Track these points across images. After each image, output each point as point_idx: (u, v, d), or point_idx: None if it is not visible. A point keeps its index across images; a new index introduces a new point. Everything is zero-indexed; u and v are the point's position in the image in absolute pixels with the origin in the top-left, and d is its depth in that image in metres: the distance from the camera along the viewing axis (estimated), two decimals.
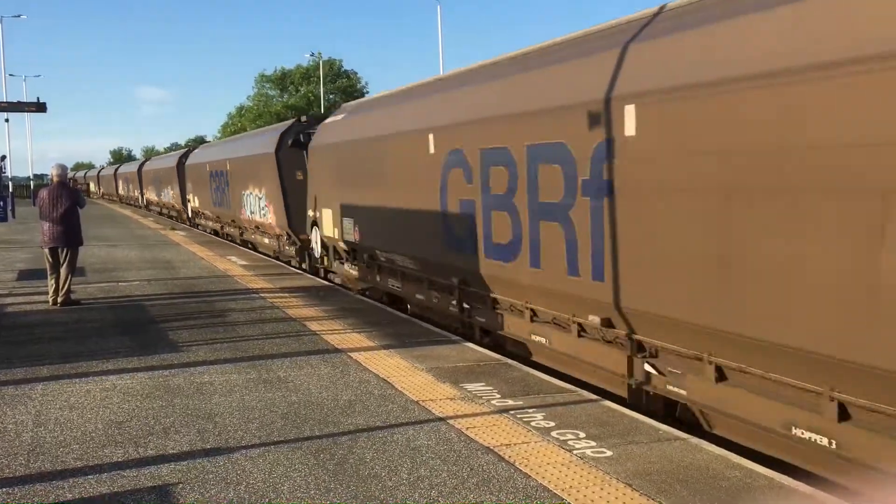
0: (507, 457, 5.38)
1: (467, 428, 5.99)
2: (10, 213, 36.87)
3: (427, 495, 4.79)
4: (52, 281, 11.97)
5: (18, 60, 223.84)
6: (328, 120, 14.98)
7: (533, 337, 8.31)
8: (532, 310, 8.26)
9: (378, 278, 12.41)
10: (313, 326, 10.11)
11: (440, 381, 7.41)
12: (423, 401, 6.74)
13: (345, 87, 74.31)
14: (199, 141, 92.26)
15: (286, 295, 12.83)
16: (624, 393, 6.97)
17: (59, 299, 11.91)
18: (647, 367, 6.66)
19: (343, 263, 14.04)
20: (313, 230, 15.47)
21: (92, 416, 6.40)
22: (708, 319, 5.79)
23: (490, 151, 8.50)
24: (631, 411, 6.46)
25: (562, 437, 5.76)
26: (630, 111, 6.29)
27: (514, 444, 5.62)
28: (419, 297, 10.97)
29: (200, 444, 5.72)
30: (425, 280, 10.67)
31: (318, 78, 71.11)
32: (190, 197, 30.75)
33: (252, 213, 20.50)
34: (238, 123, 74.77)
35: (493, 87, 8.87)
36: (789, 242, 5.07)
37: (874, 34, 4.48)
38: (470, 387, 7.17)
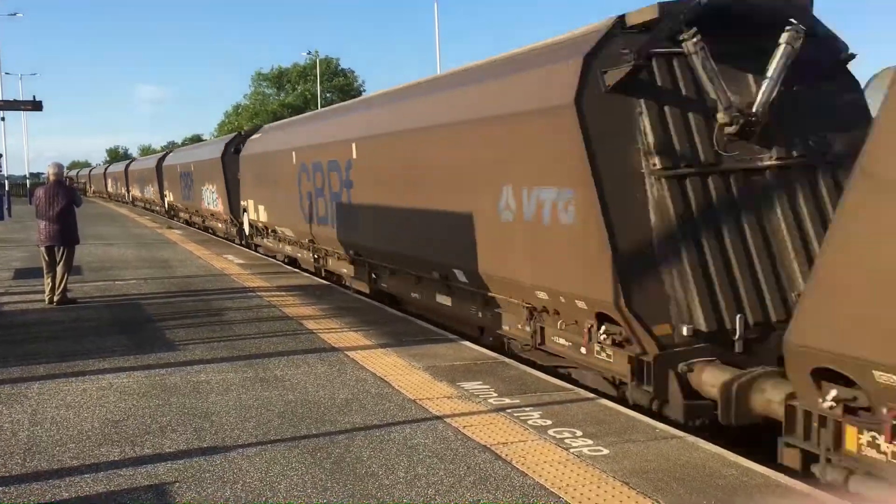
0: (503, 455, 5.38)
1: (464, 426, 5.99)
2: (6, 212, 36.82)
3: (424, 493, 4.79)
4: (49, 279, 11.95)
5: (15, 59, 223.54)
6: (253, 136, 20.62)
7: (343, 269, 14.00)
8: (340, 255, 13.92)
9: (279, 246, 18.06)
10: (310, 325, 10.11)
11: (437, 379, 7.41)
12: (420, 399, 6.74)
13: (342, 85, 74.23)
14: (196, 139, 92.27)
15: (283, 293, 12.82)
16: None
17: (56, 298, 11.89)
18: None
19: (263, 238, 19.39)
20: (244, 215, 20.64)
21: (88, 415, 6.39)
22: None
23: (315, 163, 14.13)
24: (627, 409, 6.47)
25: (558, 436, 5.77)
26: (354, 146, 12.13)
27: (511, 443, 5.63)
28: (298, 254, 16.79)
29: (197, 442, 5.72)
30: (297, 242, 16.47)
31: (315, 76, 71.06)
32: (166, 193, 35.84)
33: (209, 204, 25.98)
34: (235, 122, 74.68)
35: (321, 125, 15.05)
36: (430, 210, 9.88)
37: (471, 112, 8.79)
38: (467, 385, 7.17)
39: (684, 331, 6.26)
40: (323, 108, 19.22)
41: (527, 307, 7.99)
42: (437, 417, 6.24)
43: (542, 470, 5.12)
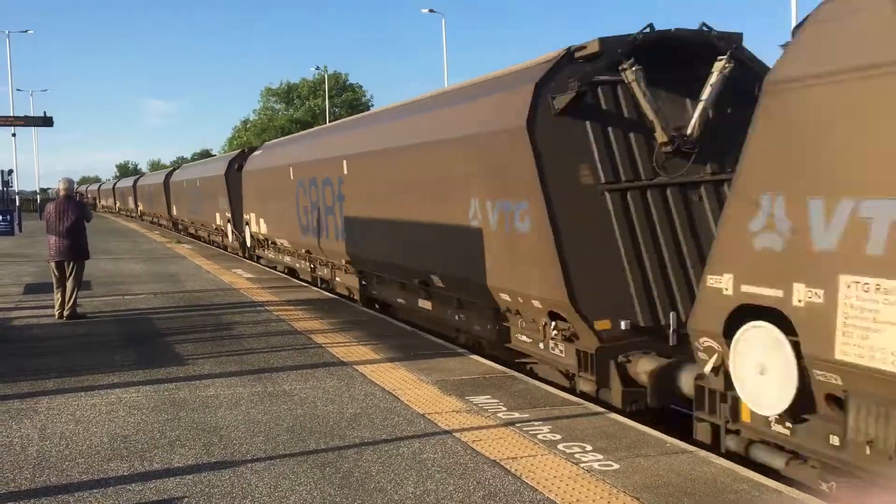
0: (513, 470, 5.36)
1: (473, 441, 5.97)
2: (16, 227, 37.03)
3: None
4: (59, 294, 11.99)
5: (26, 75, 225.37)
6: (254, 153, 21.73)
7: (337, 278, 14.78)
8: (334, 264, 14.76)
9: (279, 257, 18.95)
10: (319, 339, 10.10)
11: (446, 393, 7.39)
12: (428, 413, 6.72)
13: (350, 100, 74.53)
14: (205, 154, 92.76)
15: (291, 307, 12.83)
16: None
17: (66, 313, 11.92)
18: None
19: (264, 249, 20.20)
20: (246, 228, 21.48)
21: (97, 430, 6.39)
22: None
23: (311, 179, 15.05)
24: (638, 424, 6.44)
25: (568, 450, 5.74)
26: (344, 162, 13.07)
27: (521, 457, 5.60)
28: (297, 265, 17.51)
29: (206, 457, 5.71)
30: (295, 252, 17.28)
31: (324, 91, 71.38)
32: (173, 207, 37.14)
33: (213, 218, 27.04)
34: (244, 137, 75.01)
35: (314, 143, 16.09)
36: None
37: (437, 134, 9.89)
38: (476, 399, 7.15)
39: (622, 325, 7.15)
40: (316, 128, 21.02)
41: (492, 308, 8.96)
42: (447, 432, 6.21)
43: (552, 485, 5.09)
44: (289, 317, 11.87)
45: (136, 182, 57.76)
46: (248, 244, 21.72)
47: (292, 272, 18.37)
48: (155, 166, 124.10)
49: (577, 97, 7.36)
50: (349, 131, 14.22)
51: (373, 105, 74.90)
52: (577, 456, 5.62)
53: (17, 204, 48.83)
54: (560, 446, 5.83)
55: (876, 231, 4.43)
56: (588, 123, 7.52)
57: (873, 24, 4.58)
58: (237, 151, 26.88)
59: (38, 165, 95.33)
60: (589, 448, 5.79)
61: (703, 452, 5.69)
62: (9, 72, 52.23)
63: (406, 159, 10.74)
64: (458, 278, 9.47)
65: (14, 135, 48.97)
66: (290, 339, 10.18)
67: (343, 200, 13.35)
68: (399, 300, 11.98)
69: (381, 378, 8.01)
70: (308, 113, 72.89)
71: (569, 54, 7.81)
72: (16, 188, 50.32)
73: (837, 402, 4.88)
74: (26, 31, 58.90)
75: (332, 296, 14.62)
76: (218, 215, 25.74)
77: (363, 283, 13.50)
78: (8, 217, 35.61)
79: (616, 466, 5.41)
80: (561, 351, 7.84)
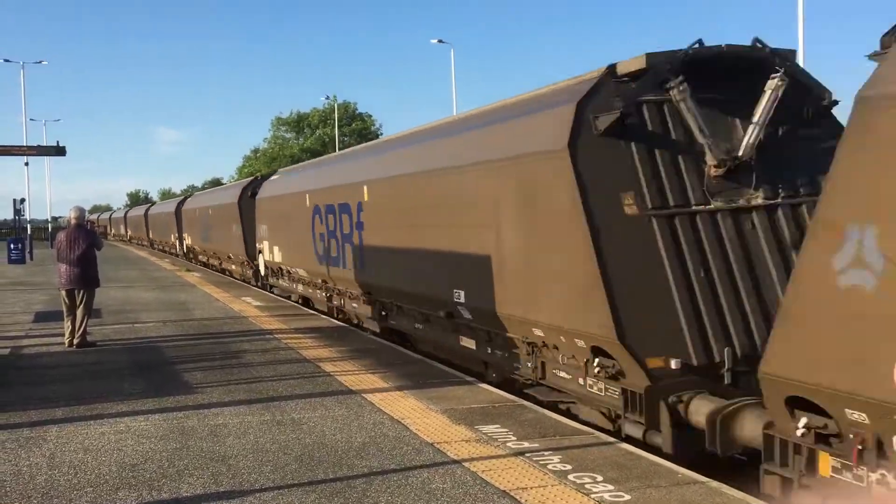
0: (523, 501, 5.31)
1: (483, 471, 5.92)
2: (27, 255, 37.24)
3: None
4: (69, 322, 12.02)
5: (39, 105, 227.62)
6: (269, 179, 21.76)
7: (354, 306, 14.31)
8: (351, 293, 14.34)
9: (293, 285, 18.56)
10: (327, 367, 10.08)
11: (455, 422, 7.35)
12: (437, 443, 6.68)
13: (360, 129, 75.04)
14: (216, 183, 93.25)
15: (300, 336, 12.82)
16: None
17: (76, 341, 11.95)
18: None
19: (278, 278, 19.97)
20: (259, 256, 21.26)
21: (106, 459, 6.38)
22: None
23: (328, 206, 14.70)
24: (649, 454, 6.38)
25: (579, 481, 5.69)
26: (365, 188, 12.66)
27: (531, 488, 5.55)
28: (317, 294, 16.84)
29: (214, 486, 5.68)
30: (310, 282, 16.94)
31: (334, 121, 71.89)
32: (185, 236, 37.07)
33: (226, 247, 26.60)
34: (254, 166, 75.49)
35: (331, 169, 16.04)
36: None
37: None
38: (485, 429, 7.11)
39: (673, 364, 6.55)
40: (331, 154, 21.41)
41: (527, 343, 8.30)
42: (456, 461, 6.17)
43: None
44: (298, 345, 11.87)
45: (147, 211, 57.92)
46: (262, 273, 21.33)
47: (306, 301, 18.06)
48: (165, 195, 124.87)
49: (621, 117, 6.93)
50: (371, 155, 13.81)
51: (382, 134, 75.32)
52: (587, 486, 5.57)
53: (29, 232, 49.15)
54: (571, 476, 5.78)
55: None
56: (633, 145, 7.08)
57: None
58: (250, 178, 26.60)
59: (49, 194, 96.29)
60: (600, 478, 5.74)
61: (715, 483, 5.63)
62: (23, 102, 52.76)
63: (433, 183, 10.16)
64: (488, 310, 8.75)
65: (27, 164, 49.39)
66: (298, 367, 10.16)
67: (362, 228, 12.85)
68: (423, 332, 11.34)
69: (390, 407, 7.97)
70: (318, 142, 73.36)
71: (612, 71, 7.34)
72: (28, 216, 50.65)
73: None
74: (40, 62, 59.63)
75: (341, 324, 14.60)
76: (230, 244, 25.34)
77: (382, 313, 12.77)
78: (19, 245, 35.87)
79: (627, 497, 5.35)
80: (601, 390, 7.24)
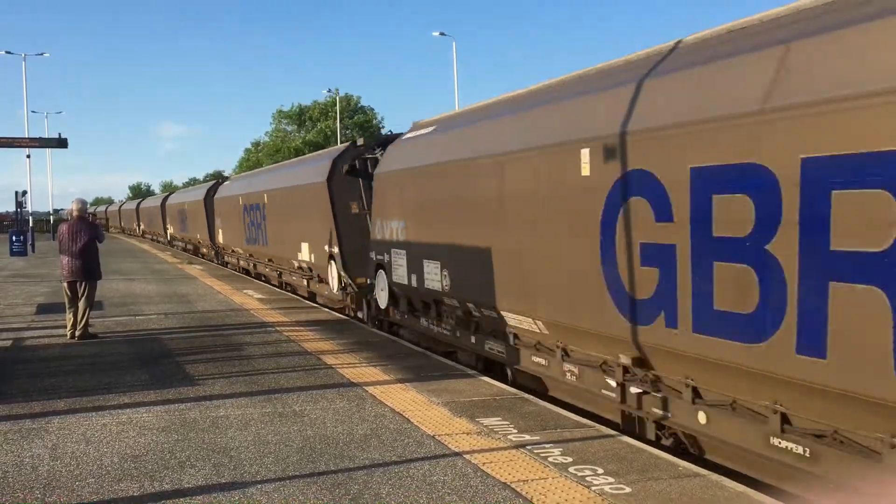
0: (524, 493, 5.32)
1: (484, 463, 5.93)
2: (29, 248, 37.27)
3: None
4: (71, 314, 12.05)
5: (41, 98, 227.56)
6: (223, 184, 28.95)
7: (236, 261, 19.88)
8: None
9: (236, 260, 27.15)
10: (329, 360, 10.10)
11: (456, 415, 7.36)
12: (439, 435, 6.69)
13: (361, 122, 75.05)
14: (217, 175, 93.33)
15: (302, 328, 12.84)
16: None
17: (77, 333, 11.97)
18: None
19: (226, 255, 28.11)
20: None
21: (108, 450, 6.40)
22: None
23: (253, 205, 22.82)
24: (649, 447, 6.38)
25: (580, 473, 5.70)
26: (265, 196, 20.63)
27: (532, 480, 5.56)
28: (241, 264, 25.66)
29: (216, 478, 5.70)
30: (242, 256, 24.71)
31: (335, 114, 71.83)
32: (168, 226, 45.06)
33: (197, 233, 34.23)
34: (255, 158, 75.50)
35: (251, 181, 23.80)
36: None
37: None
38: (486, 421, 7.12)
39: (368, 281, 13.60)
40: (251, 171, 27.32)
41: (307, 270, 17.19)
42: (457, 454, 6.18)
43: None
44: (299, 338, 11.88)
45: (138, 205, 63.27)
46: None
47: (246, 272, 23.04)
48: (167, 187, 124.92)
49: (351, 165, 14.23)
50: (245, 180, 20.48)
51: (383, 128, 75.30)
52: (588, 479, 5.58)
53: (31, 225, 49.19)
54: (571, 469, 5.79)
55: None
56: (359, 179, 14.13)
57: None
58: (213, 182, 26.00)
59: (51, 187, 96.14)
60: (600, 471, 5.75)
61: (715, 476, 5.64)
62: (24, 94, 52.79)
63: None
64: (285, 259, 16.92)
65: (29, 156, 49.41)
66: (300, 359, 10.18)
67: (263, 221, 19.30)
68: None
69: (391, 399, 7.99)
70: (320, 135, 73.36)
71: (354, 143, 15.10)
72: (29, 209, 50.68)
73: None
74: (42, 55, 59.57)
75: (343, 317, 14.62)
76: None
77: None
78: (21, 238, 35.90)
79: (628, 490, 5.36)
80: (340, 293, 15.43)
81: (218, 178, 36.94)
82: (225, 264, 28.92)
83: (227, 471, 5.85)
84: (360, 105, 77.58)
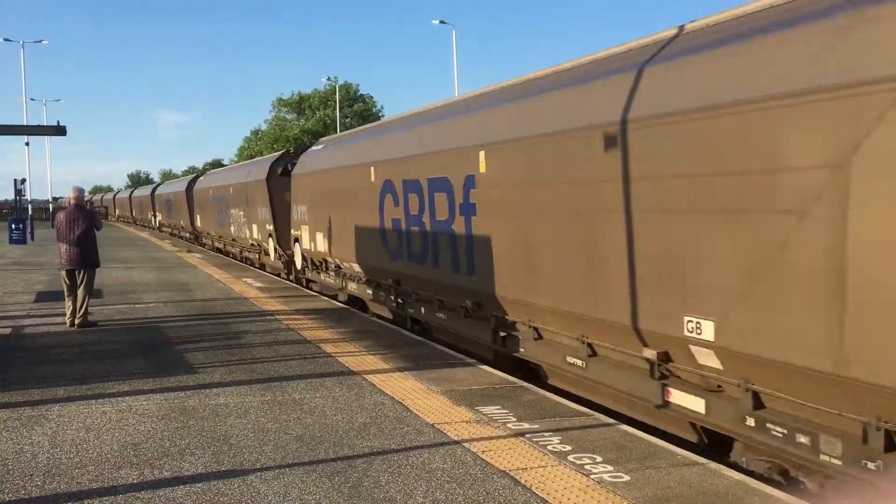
0: (523, 481, 5.33)
1: (483, 451, 5.95)
2: (28, 236, 37.24)
3: None
4: (70, 302, 12.04)
5: (40, 85, 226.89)
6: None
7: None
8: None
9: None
10: (328, 349, 10.11)
11: (455, 403, 7.37)
12: (438, 423, 6.70)
13: (361, 110, 74.81)
14: (216, 164, 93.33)
15: (301, 317, 12.84)
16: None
17: (77, 321, 11.97)
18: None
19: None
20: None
21: (108, 438, 6.40)
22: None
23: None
24: (648, 435, 6.40)
25: (578, 461, 5.71)
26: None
27: (531, 468, 5.57)
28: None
29: (215, 465, 5.71)
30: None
31: (335, 102, 71.65)
32: (157, 214, 51.20)
33: (181, 221, 39.64)
34: (254, 147, 75.36)
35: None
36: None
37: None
38: (485, 410, 7.13)
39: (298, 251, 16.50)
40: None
41: (259, 245, 21.36)
42: (456, 442, 6.19)
43: (562, 496, 5.06)
44: (298, 326, 11.88)
45: (131, 195, 67.30)
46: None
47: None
48: (167, 176, 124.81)
49: (284, 169, 18.44)
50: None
51: (383, 115, 75.08)
52: (587, 467, 5.59)
53: (30, 213, 49.13)
54: (570, 457, 5.80)
55: None
56: (290, 178, 17.83)
57: None
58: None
59: (50, 174, 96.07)
60: (599, 459, 5.76)
61: (714, 465, 5.65)
62: (23, 81, 52.63)
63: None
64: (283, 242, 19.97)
65: (27, 144, 49.35)
66: (299, 348, 10.19)
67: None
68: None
69: (391, 388, 8.00)
70: (319, 123, 73.18)
71: (288, 152, 20.09)
72: (28, 197, 50.64)
73: None
74: (40, 41, 59.50)
75: (342, 305, 14.62)
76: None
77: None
78: (20, 226, 35.87)
79: (626, 478, 5.38)
80: (278, 261, 19.37)
81: (217, 167, 38.52)
82: (203, 245, 34.38)
83: (227, 458, 5.86)
84: (359, 93, 77.34)
